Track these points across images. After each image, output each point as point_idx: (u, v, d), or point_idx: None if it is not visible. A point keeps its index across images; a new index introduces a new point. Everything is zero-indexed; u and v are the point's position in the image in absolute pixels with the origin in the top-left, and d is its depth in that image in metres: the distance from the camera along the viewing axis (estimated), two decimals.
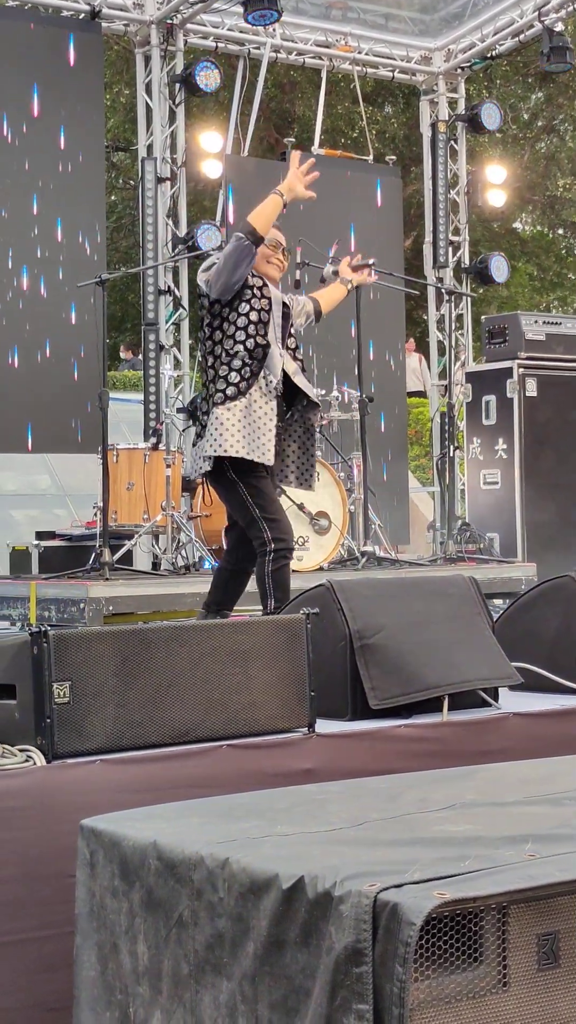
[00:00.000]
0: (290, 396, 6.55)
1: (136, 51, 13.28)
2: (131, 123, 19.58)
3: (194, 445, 6.58)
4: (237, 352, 6.32)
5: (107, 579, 8.54)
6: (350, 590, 4.81)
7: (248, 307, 6.32)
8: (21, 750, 3.89)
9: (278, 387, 6.37)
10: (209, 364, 6.39)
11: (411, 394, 17.60)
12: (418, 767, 4.02)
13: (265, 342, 6.32)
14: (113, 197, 25.17)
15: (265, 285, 6.39)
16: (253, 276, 6.38)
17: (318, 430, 6.78)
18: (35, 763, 3.82)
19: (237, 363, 6.32)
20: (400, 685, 4.65)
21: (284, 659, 4.32)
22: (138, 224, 13.27)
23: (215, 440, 6.30)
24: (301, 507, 9.43)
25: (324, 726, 4.42)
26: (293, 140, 14.95)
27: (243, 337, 6.33)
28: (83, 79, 12.32)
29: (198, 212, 17.53)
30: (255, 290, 6.34)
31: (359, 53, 14.13)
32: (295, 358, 6.53)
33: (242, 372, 6.31)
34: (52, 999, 3.57)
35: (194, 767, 4.02)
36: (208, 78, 12.76)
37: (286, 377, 6.46)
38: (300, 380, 6.50)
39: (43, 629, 3.88)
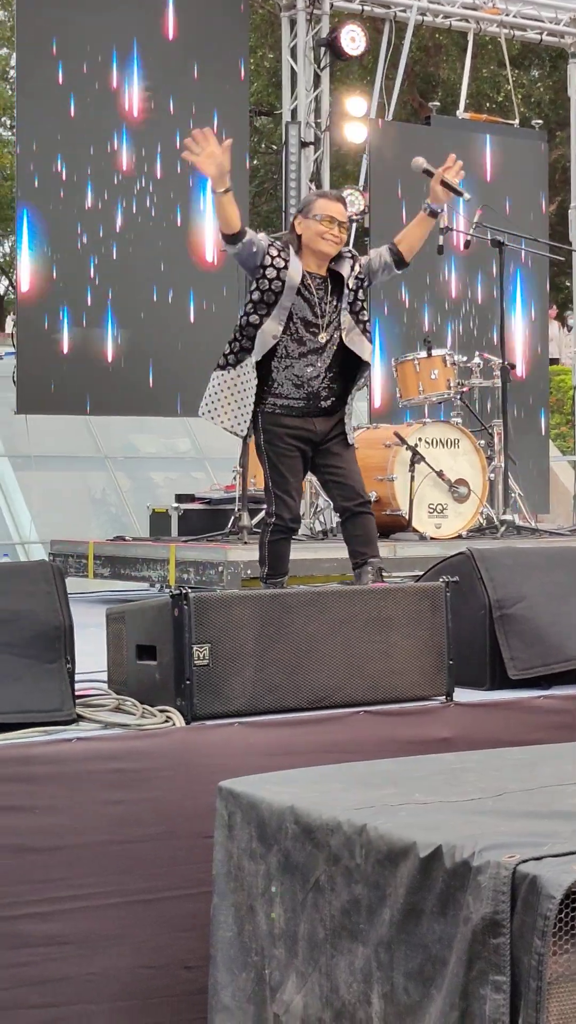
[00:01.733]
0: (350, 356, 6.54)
1: (282, 15, 13.24)
2: (275, 87, 19.56)
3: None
4: (237, 325, 6.45)
5: (245, 543, 8.56)
6: (491, 559, 4.79)
7: (257, 287, 6.35)
8: (161, 711, 3.92)
9: (276, 374, 6.39)
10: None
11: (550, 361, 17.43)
12: (557, 739, 4.00)
13: (260, 321, 6.33)
14: (255, 161, 25.17)
15: (285, 268, 6.33)
16: (276, 258, 6.33)
17: (361, 383, 6.71)
18: (175, 724, 3.85)
19: (230, 336, 6.45)
20: (540, 656, 4.62)
21: (423, 627, 4.31)
22: (280, 188, 13.25)
23: (204, 401, 6.52)
24: (440, 474, 9.39)
25: (462, 695, 4.41)
26: (438, 104, 14.84)
27: (241, 313, 6.47)
28: (228, 43, 12.30)
29: (341, 176, 17.46)
30: (269, 271, 6.33)
31: (506, 15, 13.96)
32: (358, 321, 6.49)
33: (232, 346, 6.44)
34: (189, 957, 3.61)
35: (332, 732, 4.03)
36: (354, 42, 12.69)
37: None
38: (351, 338, 6.47)
39: (184, 591, 3.90)
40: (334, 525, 10.01)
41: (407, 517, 9.34)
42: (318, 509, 10.21)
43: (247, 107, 12.84)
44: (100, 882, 3.64)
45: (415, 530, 9.25)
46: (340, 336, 6.42)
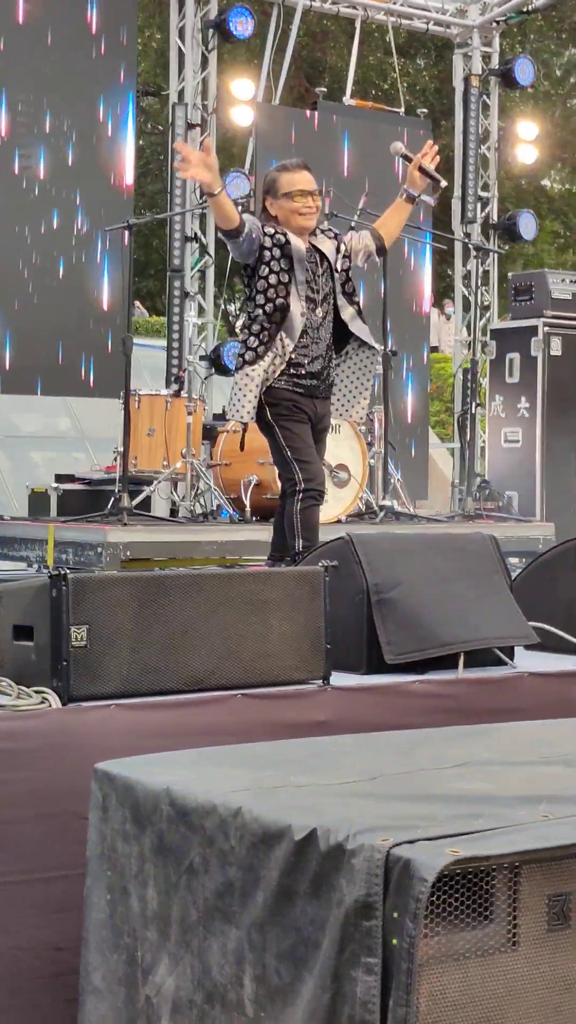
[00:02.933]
0: (346, 338, 6.52)
1: None
2: (162, 68, 19.46)
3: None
4: (257, 316, 6.35)
5: (125, 524, 8.55)
6: (369, 543, 4.81)
7: (267, 270, 6.27)
8: (37, 691, 3.90)
9: (294, 353, 6.33)
10: (243, 323, 6.46)
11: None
12: (432, 723, 4.02)
13: (284, 303, 6.27)
14: (141, 142, 25.03)
15: (287, 243, 6.30)
16: (274, 235, 6.29)
17: (373, 373, 6.69)
18: (50, 705, 3.83)
19: (256, 327, 6.35)
20: (416, 640, 4.65)
21: (301, 611, 4.32)
22: (166, 170, 13.20)
23: (233, 405, 6.42)
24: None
25: (339, 679, 4.42)
26: (324, 89, 14.88)
27: (262, 301, 6.33)
28: (116, 22, 12.22)
29: (227, 160, 17.43)
30: (273, 250, 6.27)
31: (394, 4, 14.01)
32: (352, 302, 6.47)
33: (260, 336, 6.33)
34: (61, 939, 3.59)
35: (208, 715, 4.03)
36: (242, 24, 12.67)
37: (343, 325, 6.44)
38: (356, 326, 6.45)
39: (62, 572, 3.88)
40: (214, 508, 10.01)
41: None
42: (199, 491, 10.20)
43: (134, 86, 12.76)
44: None
45: None
46: (334, 314, 6.38)
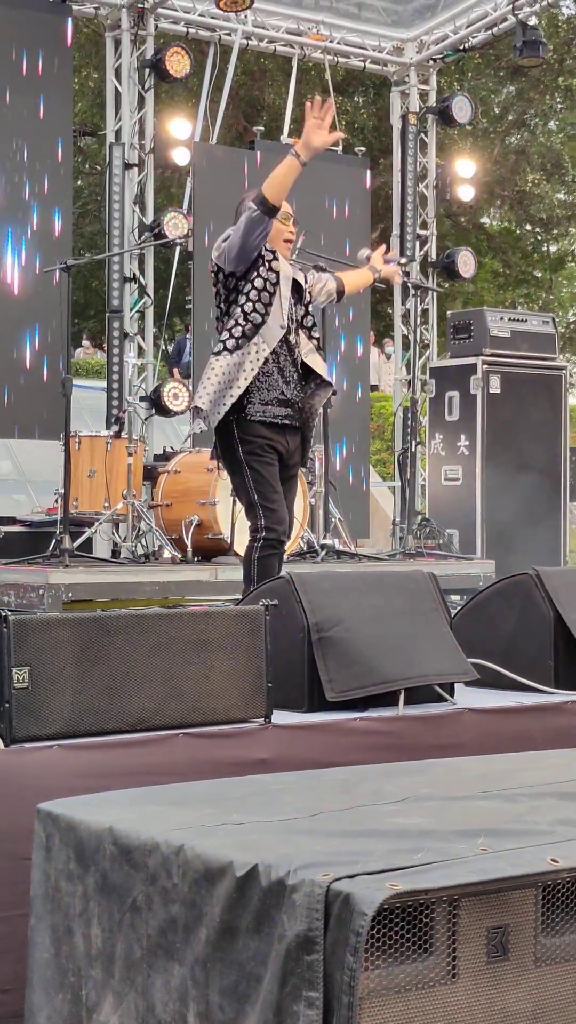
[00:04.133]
0: (306, 375, 6.51)
1: (106, 35, 13.24)
2: (99, 108, 19.53)
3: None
4: (237, 315, 6.31)
5: (67, 566, 8.55)
6: (309, 583, 4.84)
7: (257, 275, 6.28)
8: None
9: (270, 359, 6.31)
10: (219, 334, 6.41)
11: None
12: (373, 760, 4.05)
13: (264, 311, 6.27)
14: (79, 182, 25.09)
15: (276, 259, 6.33)
16: (265, 249, 6.32)
17: (319, 410, 6.66)
18: None
19: (231, 323, 6.31)
20: (357, 678, 4.68)
21: (242, 650, 4.34)
22: (104, 210, 13.24)
23: (199, 389, 6.35)
24: None
25: (281, 717, 4.45)
26: (262, 128, 14.96)
27: (243, 301, 6.31)
28: (52, 62, 12.26)
29: (165, 199, 17.54)
30: (265, 262, 6.30)
31: (331, 42, 14.11)
32: (311, 337, 6.49)
33: (233, 331, 6.29)
34: (3, 980, 3.59)
35: (151, 755, 4.04)
36: (178, 64, 12.72)
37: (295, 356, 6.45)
38: (312, 359, 6.46)
39: (3, 614, 3.89)
40: (156, 548, 10.02)
41: (228, 541, 9.39)
42: (140, 532, 10.21)
43: (71, 127, 12.80)
44: None
45: (236, 554, 9.30)
46: (299, 349, 6.40)
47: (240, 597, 6.22)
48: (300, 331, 6.42)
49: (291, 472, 6.47)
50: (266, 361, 6.28)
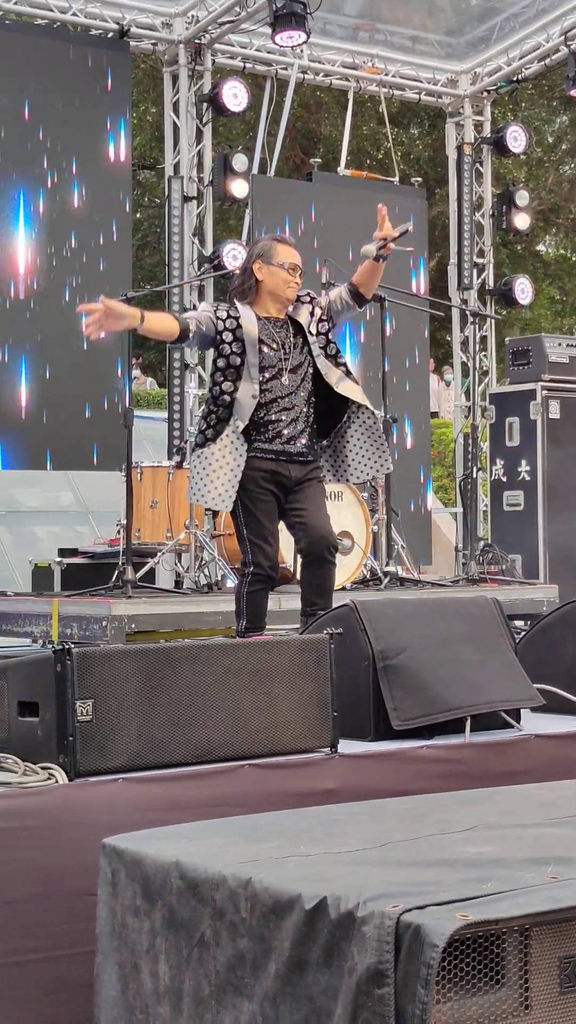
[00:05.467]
0: (342, 403, 6.51)
1: (164, 70, 13.32)
2: (157, 141, 19.62)
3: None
4: (207, 399, 6.45)
5: (129, 597, 8.54)
6: (373, 610, 4.81)
7: (218, 354, 6.35)
8: (43, 768, 3.89)
9: (259, 421, 6.33)
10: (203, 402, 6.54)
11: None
12: (440, 788, 4.01)
13: (233, 387, 6.31)
14: (139, 215, 25.22)
15: (239, 327, 6.33)
16: (227, 319, 6.34)
17: (379, 429, 6.62)
18: (57, 781, 3.82)
19: (205, 410, 6.45)
20: (422, 706, 4.65)
21: (307, 679, 4.32)
22: (163, 242, 13.30)
23: (189, 487, 6.43)
24: None
25: (347, 746, 4.42)
26: (319, 160, 14.99)
27: (211, 384, 6.45)
28: (111, 97, 12.36)
29: (224, 231, 17.56)
30: (225, 335, 6.32)
31: (386, 75, 14.15)
32: (337, 364, 6.47)
33: (208, 419, 6.38)
34: (70, 1019, 3.57)
35: (216, 786, 4.02)
36: (236, 98, 12.77)
37: (326, 387, 6.42)
38: (344, 387, 6.44)
39: (66, 646, 3.88)
40: (219, 578, 10.01)
41: (292, 570, 9.36)
42: (203, 562, 10.20)
43: (130, 160, 12.88)
44: None
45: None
46: (310, 382, 6.39)
47: (299, 626, 6.25)
48: (321, 360, 6.41)
49: (304, 489, 6.44)
50: (259, 408, 6.31)
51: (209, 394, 6.42)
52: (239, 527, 6.41)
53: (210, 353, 6.61)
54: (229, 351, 6.30)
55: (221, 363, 6.32)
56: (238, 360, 6.30)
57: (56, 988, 3.61)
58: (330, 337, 6.51)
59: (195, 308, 12.09)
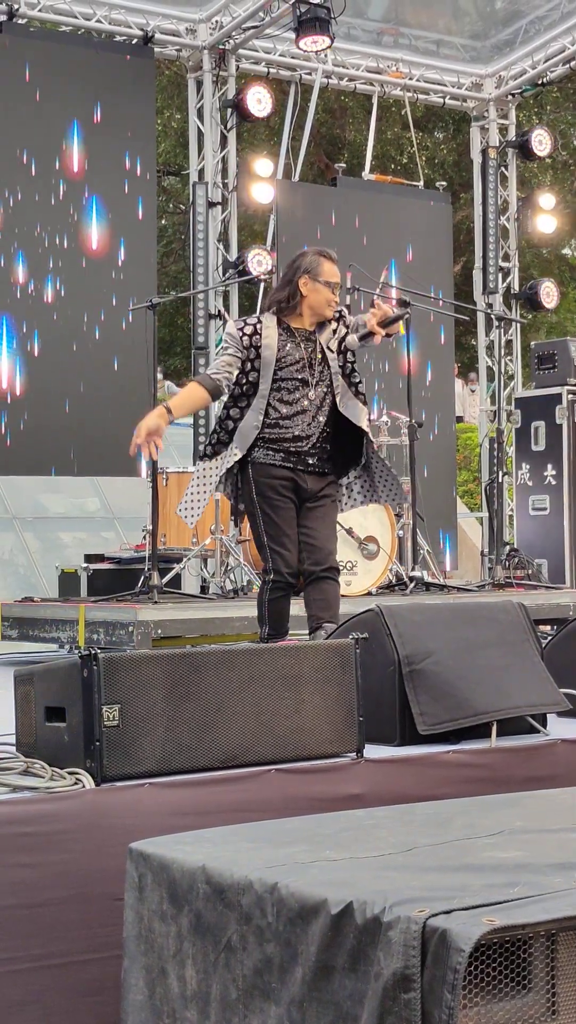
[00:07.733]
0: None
1: (188, 76, 13.33)
2: (182, 147, 19.65)
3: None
4: (218, 416, 6.53)
5: (156, 602, 8.54)
6: (399, 615, 4.81)
7: (243, 376, 6.36)
8: (70, 773, 3.90)
9: (274, 421, 6.36)
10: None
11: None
12: (466, 793, 4.01)
13: (240, 414, 6.35)
14: (163, 221, 25.25)
15: (258, 357, 6.33)
16: (250, 345, 6.33)
17: (375, 450, 6.64)
18: (84, 786, 3.83)
19: (215, 424, 6.52)
20: (449, 711, 4.64)
21: (333, 684, 4.32)
22: (188, 248, 13.31)
23: (185, 501, 6.56)
24: (350, 532, 9.43)
25: (373, 751, 4.42)
26: (344, 165, 14.98)
27: (220, 407, 6.54)
28: (135, 103, 12.37)
29: (248, 236, 17.58)
30: (245, 363, 6.34)
31: (410, 79, 14.13)
32: (351, 383, 6.48)
33: (211, 437, 6.48)
34: (97, 1023, 3.58)
35: (243, 791, 4.03)
36: (260, 103, 12.77)
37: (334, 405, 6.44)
38: (345, 405, 6.45)
39: (93, 652, 3.89)
40: (244, 583, 10.01)
41: None
42: (229, 567, 10.20)
43: (155, 166, 12.89)
44: (8, 947, 3.59)
45: None
46: (333, 399, 6.41)
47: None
48: (336, 379, 6.42)
49: (317, 510, 6.45)
50: (270, 419, 6.33)
51: (222, 410, 6.47)
52: (259, 534, 6.41)
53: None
54: (245, 380, 6.33)
55: (236, 391, 6.36)
56: (252, 389, 6.32)
57: (83, 992, 3.62)
58: (349, 356, 6.51)
59: (220, 314, 12.16)
